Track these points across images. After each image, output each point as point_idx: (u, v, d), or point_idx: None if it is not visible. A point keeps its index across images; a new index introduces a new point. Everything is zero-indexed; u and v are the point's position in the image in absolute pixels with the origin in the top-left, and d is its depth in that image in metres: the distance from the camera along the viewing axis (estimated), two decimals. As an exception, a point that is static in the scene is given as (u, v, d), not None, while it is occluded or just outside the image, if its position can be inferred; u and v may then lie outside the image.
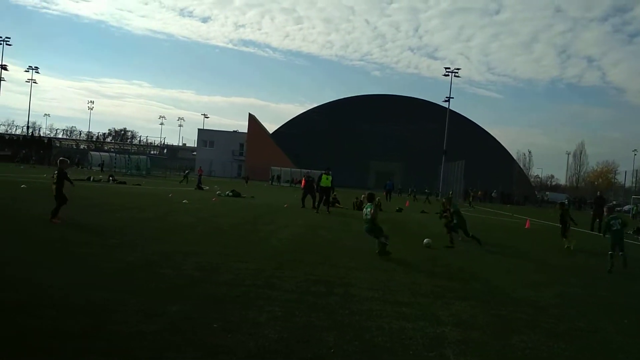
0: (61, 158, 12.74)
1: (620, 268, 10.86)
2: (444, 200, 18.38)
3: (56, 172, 11.74)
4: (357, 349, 4.68)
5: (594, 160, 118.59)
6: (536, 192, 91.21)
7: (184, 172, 47.83)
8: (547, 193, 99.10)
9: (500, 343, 5.22)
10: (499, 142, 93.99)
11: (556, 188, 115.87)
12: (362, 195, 27.97)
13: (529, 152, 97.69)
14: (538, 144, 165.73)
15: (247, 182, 48.06)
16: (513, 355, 4.93)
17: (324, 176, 22.55)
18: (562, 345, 5.34)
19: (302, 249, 10.56)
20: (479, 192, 55.72)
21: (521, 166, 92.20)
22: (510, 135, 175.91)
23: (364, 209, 11.27)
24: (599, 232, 22.44)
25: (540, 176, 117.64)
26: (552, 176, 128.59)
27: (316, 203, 22.23)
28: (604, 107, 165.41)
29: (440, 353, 4.77)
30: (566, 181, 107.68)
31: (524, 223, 23.92)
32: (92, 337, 4.40)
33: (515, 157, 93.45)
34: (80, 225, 11.45)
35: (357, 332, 5.15)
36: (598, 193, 26.80)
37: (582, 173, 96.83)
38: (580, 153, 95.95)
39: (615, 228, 11.10)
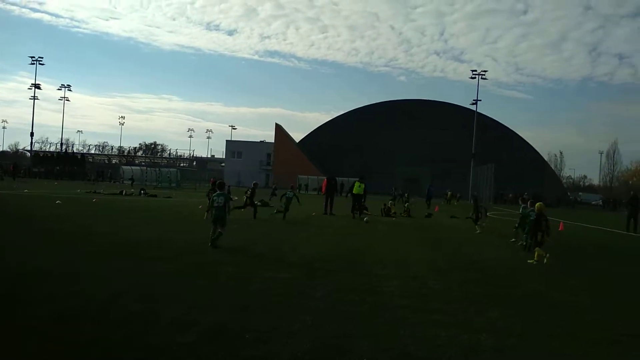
0: (255, 182, 20.54)
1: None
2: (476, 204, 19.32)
3: (249, 190, 19.03)
4: (390, 358, 4.64)
5: (628, 159, 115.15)
6: (569, 193, 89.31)
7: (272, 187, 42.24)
8: (580, 194, 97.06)
9: (538, 350, 5.11)
10: (529, 144, 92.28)
11: (589, 188, 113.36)
12: (389, 202, 27.86)
13: (561, 153, 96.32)
14: (570, 144, 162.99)
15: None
16: (551, 362, 4.82)
17: (356, 183, 22.84)
18: (602, 352, 5.19)
19: (332, 257, 10.54)
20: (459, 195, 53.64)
21: (553, 167, 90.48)
22: (541, 137, 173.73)
23: (214, 197, 11.35)
24: (634, 232, 21.95)
25: (572, 177, 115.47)
26: (585, 177, 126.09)
27: (330, 209, 22.77)
28: (638, 104, 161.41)
29: (475, 361, 4.69)
30: (599, 181, 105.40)
31: (557, 225, 23.38)
32: (128, 349, 4.47)
33: (546, 158, 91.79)
34: (117, 239, 11.68)
35: (390, 341, 5.10)
36: (632, 193, 26.03)
37: (615, 172, 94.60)
38: (614, 152, 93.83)
39: (532, 218, 12.44)
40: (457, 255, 11.99)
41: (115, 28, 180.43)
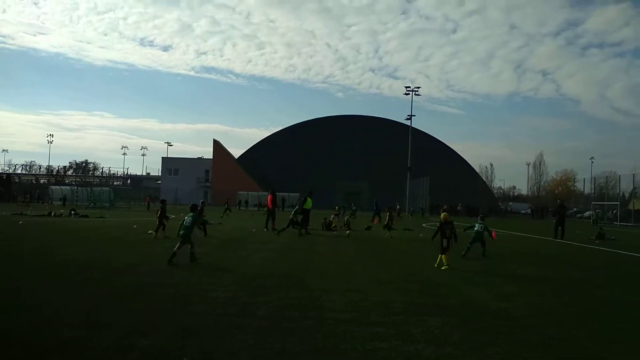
0: (202, 200, 21.79)
1: (480, 256, 14.42)
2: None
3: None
4: (334, 373, 4.66)
5: (553, 170, 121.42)
6: (500, 204, 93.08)
7: (225, 204, 41.92)
8: (510, 203, 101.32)
9: (474, 357, 5.27)
10: (462, 157, 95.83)
11: (518, 198, 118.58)
12: (332, 215, 28.07)
13: (491, 165, 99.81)
14: (499, 156, 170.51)
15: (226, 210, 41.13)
16: (488, 367, 4.98)
17: (309, 199, 23.00)
18: (537, 355, 5.42)
19: (274, 273, 10.47)
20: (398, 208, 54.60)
21: (484, 179, 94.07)
22: (472, 150, 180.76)
23: (185, 217, 12.35)
24: (561, 239, 23.16)
25: (502, 188, 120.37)
26: (514, 187, 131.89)
27: (272, 224, 22.84)
28: (560, 118, 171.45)
29: (416, 371, 4.78)
30: (528, 191, 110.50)
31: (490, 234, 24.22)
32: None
33: (478, 170, 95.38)
34: (47, 261, 11.10)
35: (332, 356, 5.12)
36: (559, 202, 27.51)
37: (542, 182, 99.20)
38: (540, 163, 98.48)
39: (477, 229, 14.89)
40: (397, 267, 12.20)
41: (44, 43, 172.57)
